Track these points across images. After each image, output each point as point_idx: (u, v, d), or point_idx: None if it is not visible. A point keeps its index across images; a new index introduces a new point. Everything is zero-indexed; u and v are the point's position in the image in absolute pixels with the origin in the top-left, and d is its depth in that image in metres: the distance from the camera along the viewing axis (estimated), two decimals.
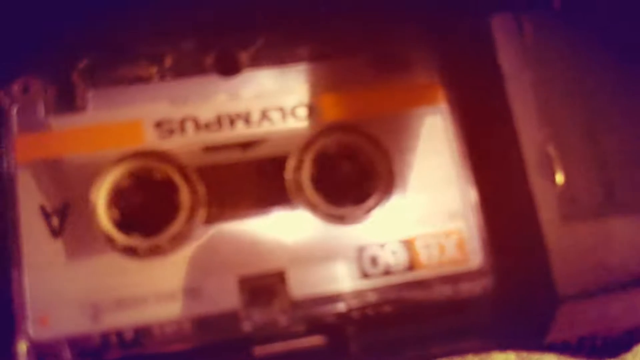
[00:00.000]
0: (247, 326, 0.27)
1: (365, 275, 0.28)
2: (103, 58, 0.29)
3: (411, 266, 0.28)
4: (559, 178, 0.29)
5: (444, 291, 0.28)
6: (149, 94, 0.29)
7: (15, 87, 0.28)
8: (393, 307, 0.28)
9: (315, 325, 0.27)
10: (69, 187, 0.27)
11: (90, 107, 0.28)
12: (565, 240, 0.29)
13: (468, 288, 0.29)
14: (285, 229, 0.28)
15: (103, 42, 0.29)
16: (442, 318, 0.29)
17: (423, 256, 0.28)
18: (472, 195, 0.29)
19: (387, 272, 0.28)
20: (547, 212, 0.29)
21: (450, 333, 0.29)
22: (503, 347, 0.30)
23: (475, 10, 0.30)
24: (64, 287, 0.26)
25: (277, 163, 0.29)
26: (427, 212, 0.29)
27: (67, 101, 0.28)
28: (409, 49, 0.30)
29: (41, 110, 0.28)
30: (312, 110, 0.30)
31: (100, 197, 0.27)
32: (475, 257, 0.29)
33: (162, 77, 0.29)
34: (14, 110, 0.28)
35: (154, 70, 0.29)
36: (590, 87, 0.30)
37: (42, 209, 0.27)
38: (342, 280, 0.28)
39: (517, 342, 0.29)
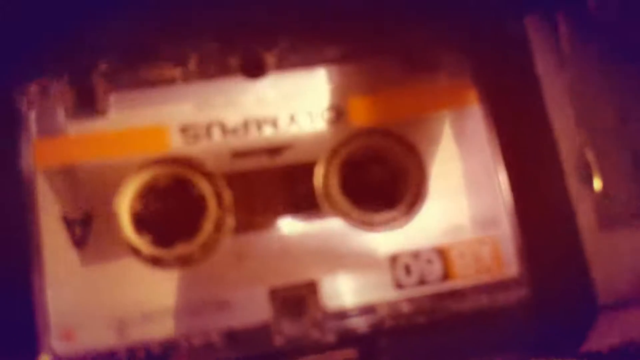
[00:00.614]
0: (278, 339, 0.26)
1: (399, 285, 0.27)
2: (124, 60, 0.27)
3: (446, 276, 0.27)
4: (597, 183, 0.28)
5: (480, 301, 0.27)
6: (173, 97, 0.28)
7: (33, 90, 0.27)
8: (428, 318, 0.27)
9: (348, 338, 0.26)
10: (91, 195, 0.26)
11: (111, 111, 0.27)
12: (603, 248, 0.28)
13: (504, 298, 0.28)
14: (315, 238, 0.27)
15: (124, 43, 0.28)
16: (477, 329, 0.28)
17: (458, 265, 0.28)
18: (508, 201, 0.28)
19: (421, 282, 0.27)
20: (585, 218, 0.28)
21: (486, 343, 0.28)
22: (539, 356, 0.29)
23: (509, 10, 0.29)
24: (88, 299, 0.25)
25: (305, 169, 0.28)
26: (461, 219, 0.28)
27: (88, 105, 0.27)
28: (439, 50, 0.29)
29: (61, 114, 0.27)
30: (341, 113, 0.29)
31: (125, 205, 0.26)
32: (511, 265, 0.28)
33: (186, 79, 0.28)
34: (32, 114, 0.27)
35: (177, 72, 0.28)
36: (628, 88, 0.29)
37: (64, 217, 0.26)
38: (376, 290, 0.27)
39: (554, 351, 0.28)
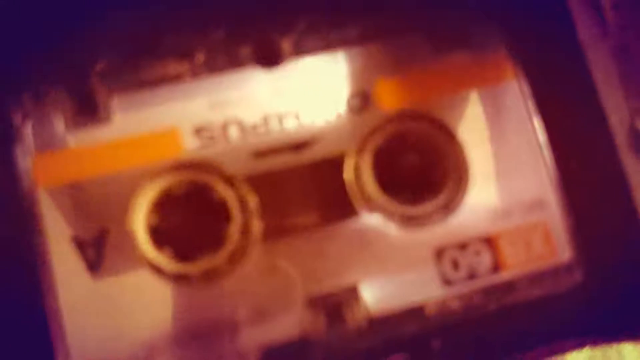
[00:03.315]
0: (320, 351, 0.24)
1: (447, 281, 0.25)
2: (124, 58, 0.25)
3: (496, 267, 0.25)
4: None
5: (534, 290, 0.25)
6: (183, 96, 0.25)
7: (27, 99, 0.24)
8: (480, 314, 0.25)
9: (396, 343, 0.24)
10: (102, 211, 0.24)
11: (115, 116, 0.24)
12: None
13: (558, 284, 0.26)
14: (352, 238, 0.25)
15: (123, 39, 0.25)
16: (532, 319, 0.26)
17: (508, 254, 0.25)
18: (556, 180, 0.26)
19: (471, 276, 0.25)
20: None
21: (541, 334, 0.26)
22: (597, 342, 0.27)
23: None
24: (110, 326, 0.23)
25: (335, 163, 0.25)
26: (508, 204, 0.26)
27: (89, 112, 0.24)
28: (470, 22, 0.27)
29: (60, 124, 0.24)
30: (367, 99, 0.26)
31: (140, 219, 0.24)
32: (563, 250, 0.26)
33: (195, 74, 0.25)
34: (28, 127, 0.24)
35: (184, 67, 0.25)
36: None
37: (75, 239, 0.23)
38: (422, 289, 0.25)
39: (613, 336, 0.27)
